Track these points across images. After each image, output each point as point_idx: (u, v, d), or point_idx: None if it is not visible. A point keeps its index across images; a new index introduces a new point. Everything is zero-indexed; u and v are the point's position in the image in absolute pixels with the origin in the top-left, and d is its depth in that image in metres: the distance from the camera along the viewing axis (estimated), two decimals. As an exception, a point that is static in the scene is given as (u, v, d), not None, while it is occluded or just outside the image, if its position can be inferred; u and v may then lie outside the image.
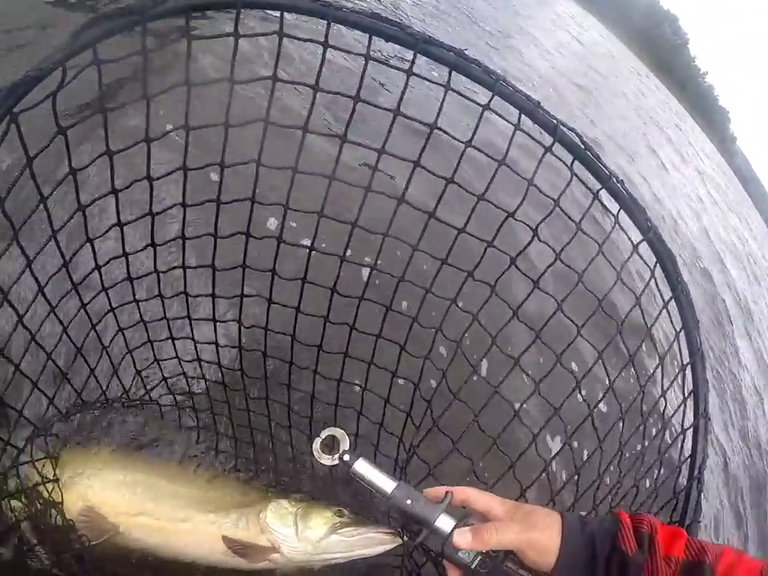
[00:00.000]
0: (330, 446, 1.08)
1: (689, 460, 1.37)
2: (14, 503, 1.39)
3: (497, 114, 1.20)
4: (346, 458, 1.02)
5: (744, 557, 0.87)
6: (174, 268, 1.52)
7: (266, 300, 1.53)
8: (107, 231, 1.32)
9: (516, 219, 1.37)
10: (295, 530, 1.61)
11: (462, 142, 1.24)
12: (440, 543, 0.95)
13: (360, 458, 1.01)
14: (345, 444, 1.08)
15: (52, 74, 0.92)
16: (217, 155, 1.23)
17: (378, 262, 1.47)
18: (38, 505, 1.42)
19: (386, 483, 0.99)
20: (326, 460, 1.08)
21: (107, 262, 1.39)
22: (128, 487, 1.68)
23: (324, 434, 1.11)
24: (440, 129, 1.22)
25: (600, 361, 1.49)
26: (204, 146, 1.26)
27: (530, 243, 1.41)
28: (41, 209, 1.10)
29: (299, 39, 1.10)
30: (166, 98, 1.08)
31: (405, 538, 1.22)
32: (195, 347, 1.78)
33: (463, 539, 0.93)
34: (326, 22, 1.04)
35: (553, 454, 1.57)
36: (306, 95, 1.17)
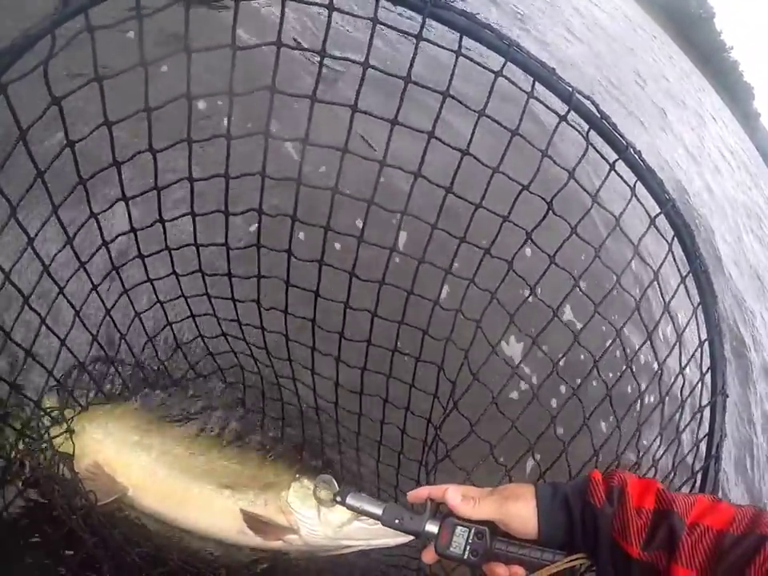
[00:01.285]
0: (328, 488, 1.30)
1: (706, 438, 1.36)
2: (22, 447, 1.42)
3: (510, 81, 1.19)
4: (338, 498, 1.20)
5: (720, 504, 0.89)
6: (187, 245, 1.55)
7: (284, 282, 1.56)
8: (112, 206, 1.33)
9: (531, 192, 1.36)
10: (317, 512, 1.60)
11: (474, 111, 1.23)
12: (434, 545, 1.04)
13: (349, 495, 1.18)
14: (334, 487, 1.28)
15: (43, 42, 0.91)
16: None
17: (398, 241, 1.48)
18: (48, 454, 1.45)
19: (375, 509, 1.13)
20: (326, 504, 1.30)
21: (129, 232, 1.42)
22: (143, 449, 1.69)
23: (318, 483, 1.31)
24: (453, 97, 1.21)
25: (618, 339, 1.48)
26: (211, 115, 1.25)
27: (544, 217, 1.41)
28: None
29: (305, 2, 1.09)
30: (169, 69, 1.07)
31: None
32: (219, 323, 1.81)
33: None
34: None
35: (572, 434, 1.58)
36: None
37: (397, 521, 1.09)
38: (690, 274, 1.41)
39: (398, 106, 1.20)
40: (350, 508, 1.17)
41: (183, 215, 1.46)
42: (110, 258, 1.47)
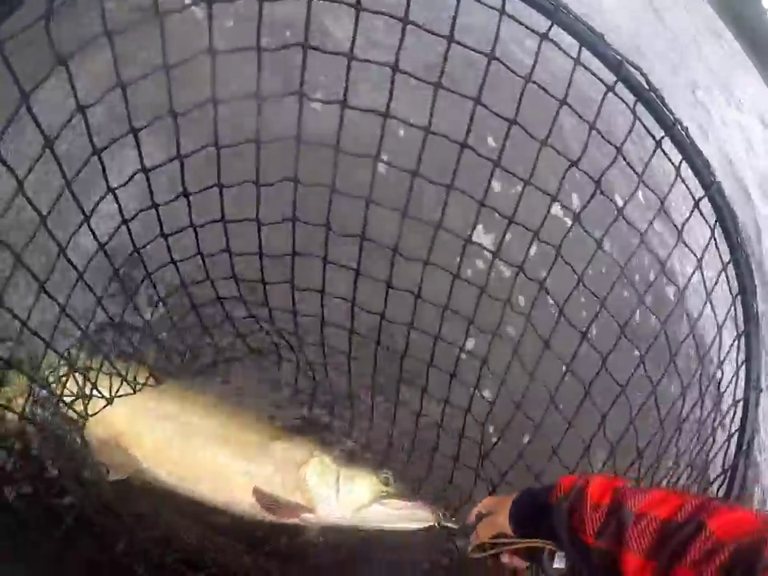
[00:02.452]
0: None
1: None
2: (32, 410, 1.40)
3: (556, 45, 1.14)
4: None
5: (672, 497, 0.97)
6: (215, 221, 1.52)
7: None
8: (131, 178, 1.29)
9: (579, 169, 1.32)
10: (336, 492, 1.60)
11: (520, 77, 1.19)
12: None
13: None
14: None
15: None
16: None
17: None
18: (58, 420, 1.45)
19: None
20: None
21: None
22: (157, 419, 1.66)
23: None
24: (498, 60, 1.16)
25: (663, 332, 1.48)
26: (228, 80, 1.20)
27: (592, 197, 1.36)
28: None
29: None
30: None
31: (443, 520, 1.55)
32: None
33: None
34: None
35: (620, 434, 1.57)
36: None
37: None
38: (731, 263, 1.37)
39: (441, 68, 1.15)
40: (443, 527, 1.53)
41: (208, 188, 1.42)
42: (131, 238, 1.46)
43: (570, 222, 1.48)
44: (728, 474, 1.35)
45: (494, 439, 1.81)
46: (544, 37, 1.18)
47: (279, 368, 1.99)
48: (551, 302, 1.57)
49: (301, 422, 1.92)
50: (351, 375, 1.94)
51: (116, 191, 1.30)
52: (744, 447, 1.35)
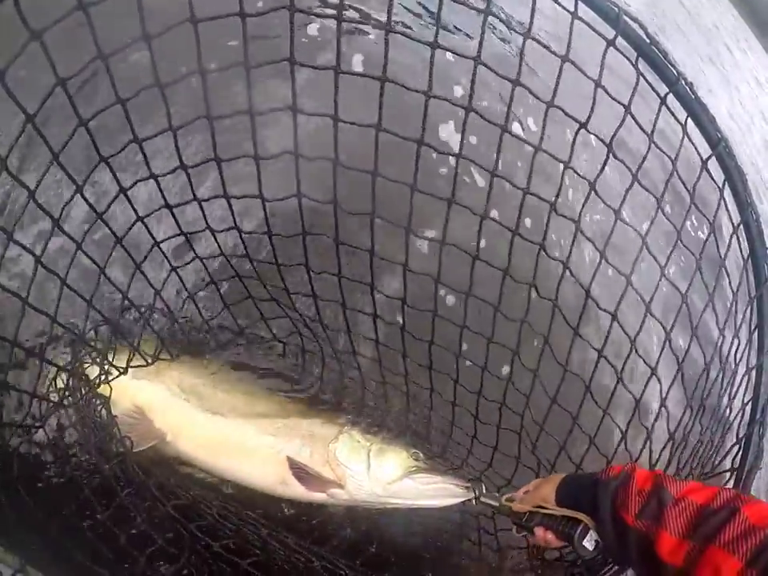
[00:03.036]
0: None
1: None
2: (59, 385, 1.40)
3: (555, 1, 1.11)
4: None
5: (708, 487, 1.06)
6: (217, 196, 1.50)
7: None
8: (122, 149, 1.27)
9: (589, 132, 1.28)
10: (367, 466, 1.60)
11: (520, 33, 1.14)
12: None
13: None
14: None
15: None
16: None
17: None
18: (84, 395, 1.45)
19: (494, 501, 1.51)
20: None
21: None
22: (183, 392, 1.67)
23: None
24: (495, 15, 1.12)
25: (685, 304, 1.45)
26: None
27: (605, 163, 1.32)
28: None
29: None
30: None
31: (476, 493, 1.54)
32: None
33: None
34: None
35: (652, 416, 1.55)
36: None
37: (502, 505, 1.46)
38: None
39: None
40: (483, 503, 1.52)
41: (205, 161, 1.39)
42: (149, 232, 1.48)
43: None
44: (743, 444, 1.32)
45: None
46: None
47: (302, 357, 2.01)
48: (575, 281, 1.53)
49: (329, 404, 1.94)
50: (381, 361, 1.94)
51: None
52: (758, 415, 1.32)
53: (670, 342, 1.48)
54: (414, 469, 1.61)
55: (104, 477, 1.36)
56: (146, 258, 1.55)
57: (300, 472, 1.57)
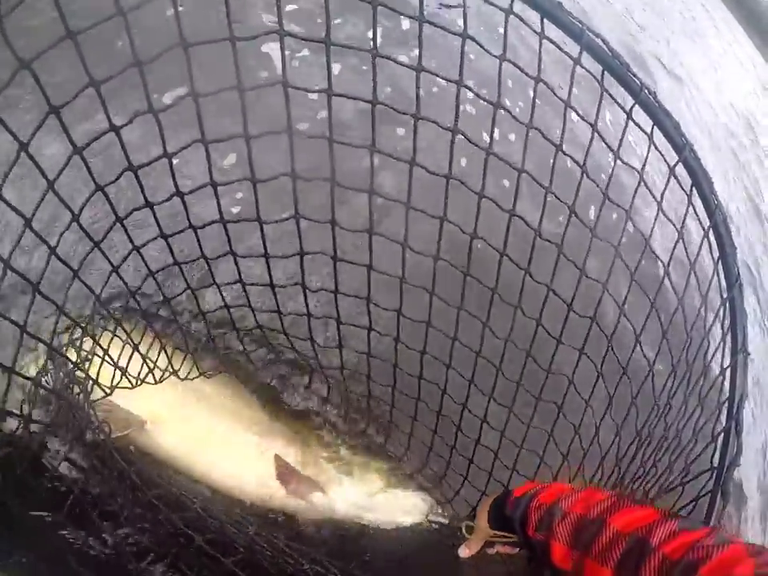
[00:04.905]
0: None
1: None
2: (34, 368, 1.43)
3: (519, 18, 1.16)
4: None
5: (596, 494, 1.21)
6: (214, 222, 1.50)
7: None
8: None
9: (565, 153, 1.34)
10: (351, 476, 1.72)
11: (495, 56, 1.19)
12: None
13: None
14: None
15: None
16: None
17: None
18: (62, 379, 1.46)
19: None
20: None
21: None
22: (167, 381, 1.64)
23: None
24: (473, 39, 1.16)
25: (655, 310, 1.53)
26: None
27: (580, 183, 1.38)
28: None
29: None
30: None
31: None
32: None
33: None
34: None
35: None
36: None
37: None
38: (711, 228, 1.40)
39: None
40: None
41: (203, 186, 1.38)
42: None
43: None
44: (720, 442, 1.39)
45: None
46: (509, 12, 1.18)
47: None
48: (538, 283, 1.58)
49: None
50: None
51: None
52: (734, 413, 1.40)
53: (640, 343, 1.58)
54: (394, 483, 1.73)
55: (80, 467, 1.39)
56: (139, 288, 1.57)
57: (285, 472, 1.63)
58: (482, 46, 1.24)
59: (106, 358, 1.49)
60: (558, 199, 1.44)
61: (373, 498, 1.69)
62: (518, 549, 1.55)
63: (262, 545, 1.56)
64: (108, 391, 1.53)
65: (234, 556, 1.47)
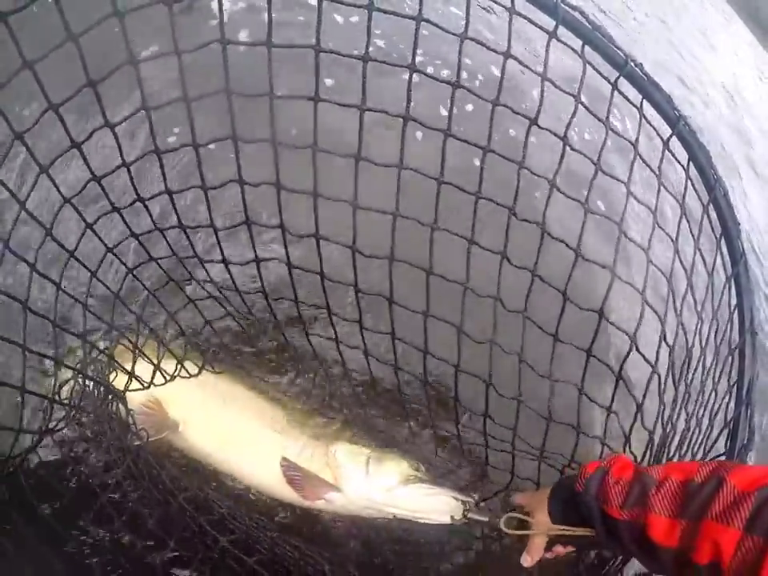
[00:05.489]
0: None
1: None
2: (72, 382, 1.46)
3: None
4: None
5: (686, 463, 1.13)
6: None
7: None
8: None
9: (541, 127, 1.30)
10: (366, 470, 1.69)
11: (455, 34, 1.18)
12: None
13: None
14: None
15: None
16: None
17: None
18: (101, 389, 1.54)
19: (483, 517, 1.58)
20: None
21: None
22: (198, 384, 1.78)
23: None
24: (429, 21, 1.16)
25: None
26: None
27: (562, 157, 1.34)
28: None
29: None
30: None
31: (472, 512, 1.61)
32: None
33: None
34: None
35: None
36: None
37: (496, 520, 1.50)
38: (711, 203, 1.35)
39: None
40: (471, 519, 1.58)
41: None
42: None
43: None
44: (731, 426, 1.34)
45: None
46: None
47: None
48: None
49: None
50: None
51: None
52: (744, 395, 1.34)
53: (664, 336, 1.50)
54: (412, 477, 1.70)
55: (117, 473, 1.47)
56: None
57: (294, 475, 1.65)
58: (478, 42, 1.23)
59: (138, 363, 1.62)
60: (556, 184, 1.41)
61: (391, 493, 1.66)
62: (575, 548, 1.42)
63: (283, 546, 1.62)
64: (145, 385, 1.64)
65: (257, 556, 1.53)
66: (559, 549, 1.41)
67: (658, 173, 1.43)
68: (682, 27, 8.91)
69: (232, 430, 1.75)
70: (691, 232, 1.42)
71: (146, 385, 1.66)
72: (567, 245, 1.42)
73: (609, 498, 1.14)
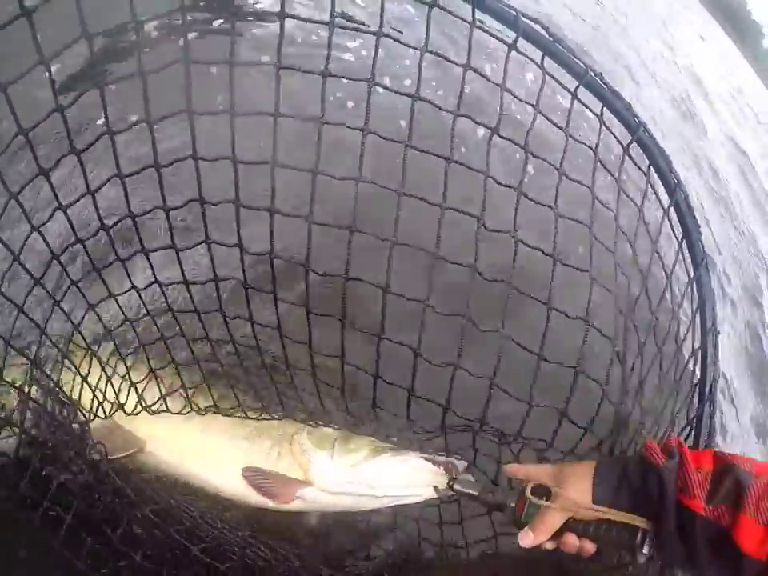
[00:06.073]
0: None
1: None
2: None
3: (448, 11, 1.17)
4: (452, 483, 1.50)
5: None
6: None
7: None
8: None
9: (502, 137, 1.33)
10: (331, 453, 1.65)
11: (416, 48, 1.21)
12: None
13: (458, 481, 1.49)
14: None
15: None
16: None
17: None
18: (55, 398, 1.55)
19: (474, 490, 1.44)
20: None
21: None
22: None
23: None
24: (390, 36, 1.20)
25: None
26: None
27: (526, 164, 1.37)
28: None
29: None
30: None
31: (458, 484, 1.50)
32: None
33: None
34: None
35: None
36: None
37: (489, 495, 1.39)
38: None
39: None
40: (459, 492, 1.47)
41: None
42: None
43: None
44: (694, 425, 1.39)
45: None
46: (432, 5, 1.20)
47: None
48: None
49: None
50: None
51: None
52: (707, 394, 1.39)
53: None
54: (379, 449, 1.63)
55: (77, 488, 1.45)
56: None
57: (260, 481, 1.62)
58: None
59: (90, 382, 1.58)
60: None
61: (358, 468, 1.59)
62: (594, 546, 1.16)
63: (256, 546, 1.61)
64: (91, 416, 1.61)
65: (228, 563, 1.51)
66: (570, 539, 1.16)
67: (617, 178, 1.47)
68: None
69: (197, 443, 1.73)
70: (650, 235, 1.47)
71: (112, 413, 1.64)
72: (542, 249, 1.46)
73: (690, 487, 0.97)
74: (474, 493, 1.42)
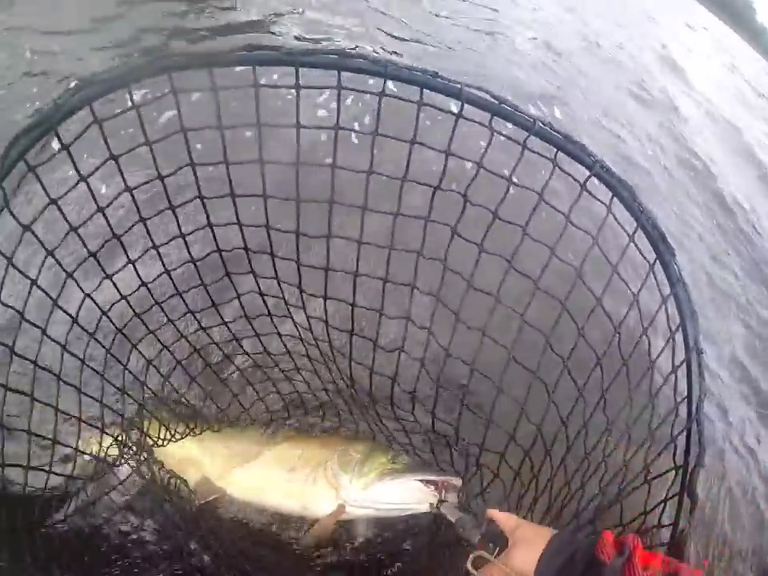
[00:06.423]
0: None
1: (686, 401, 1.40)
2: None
3: (397, 98, 1.46)
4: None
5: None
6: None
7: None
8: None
9: (472, 204, 1.60)
10: (351, 476, 1.92)
11: (369, 134, 1.51)
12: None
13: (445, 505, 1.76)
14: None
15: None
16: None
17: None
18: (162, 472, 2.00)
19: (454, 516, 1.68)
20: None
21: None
22: (227, 455, 2.16)
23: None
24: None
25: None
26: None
27: (493, 220, 1.61)
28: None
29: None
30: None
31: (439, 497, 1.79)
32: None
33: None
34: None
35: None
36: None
37: (461, 529, 1.60)
38: (641, 231, 1.47)
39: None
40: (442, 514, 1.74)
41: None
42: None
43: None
44: (678, 444, 1.39)
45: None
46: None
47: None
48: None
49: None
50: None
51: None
52: (694, 413, 1.39)
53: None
54: (387, 471, 1.87)
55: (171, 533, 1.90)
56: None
57: (316, 533, 1.93)
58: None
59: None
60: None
61: (369, 490, 1.85)
62: None
63: None
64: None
65: None
66: None
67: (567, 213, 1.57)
68: None
69: (259, 482, 2.06)
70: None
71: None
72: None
73: None
74: (452, 520, 1.66)
